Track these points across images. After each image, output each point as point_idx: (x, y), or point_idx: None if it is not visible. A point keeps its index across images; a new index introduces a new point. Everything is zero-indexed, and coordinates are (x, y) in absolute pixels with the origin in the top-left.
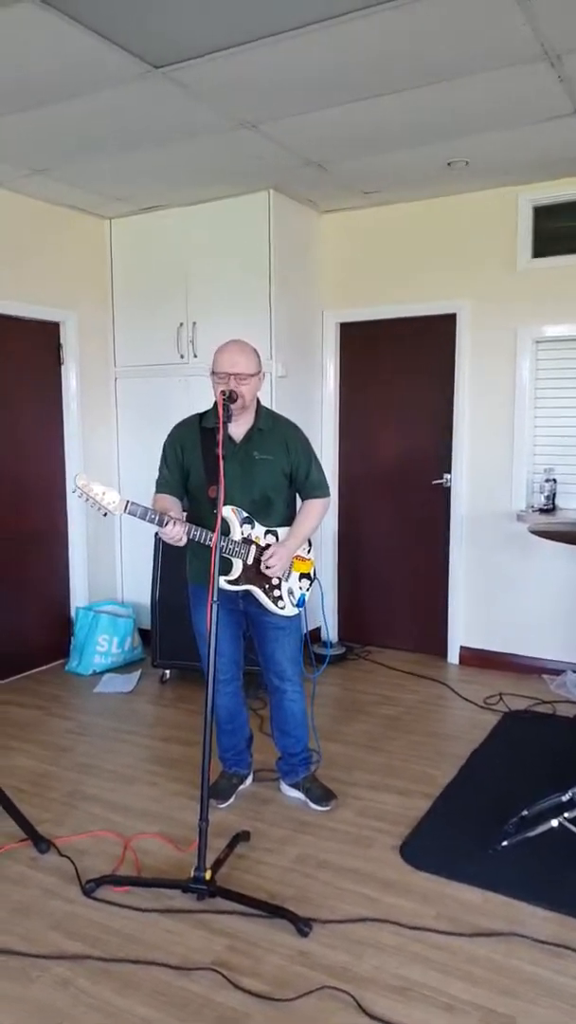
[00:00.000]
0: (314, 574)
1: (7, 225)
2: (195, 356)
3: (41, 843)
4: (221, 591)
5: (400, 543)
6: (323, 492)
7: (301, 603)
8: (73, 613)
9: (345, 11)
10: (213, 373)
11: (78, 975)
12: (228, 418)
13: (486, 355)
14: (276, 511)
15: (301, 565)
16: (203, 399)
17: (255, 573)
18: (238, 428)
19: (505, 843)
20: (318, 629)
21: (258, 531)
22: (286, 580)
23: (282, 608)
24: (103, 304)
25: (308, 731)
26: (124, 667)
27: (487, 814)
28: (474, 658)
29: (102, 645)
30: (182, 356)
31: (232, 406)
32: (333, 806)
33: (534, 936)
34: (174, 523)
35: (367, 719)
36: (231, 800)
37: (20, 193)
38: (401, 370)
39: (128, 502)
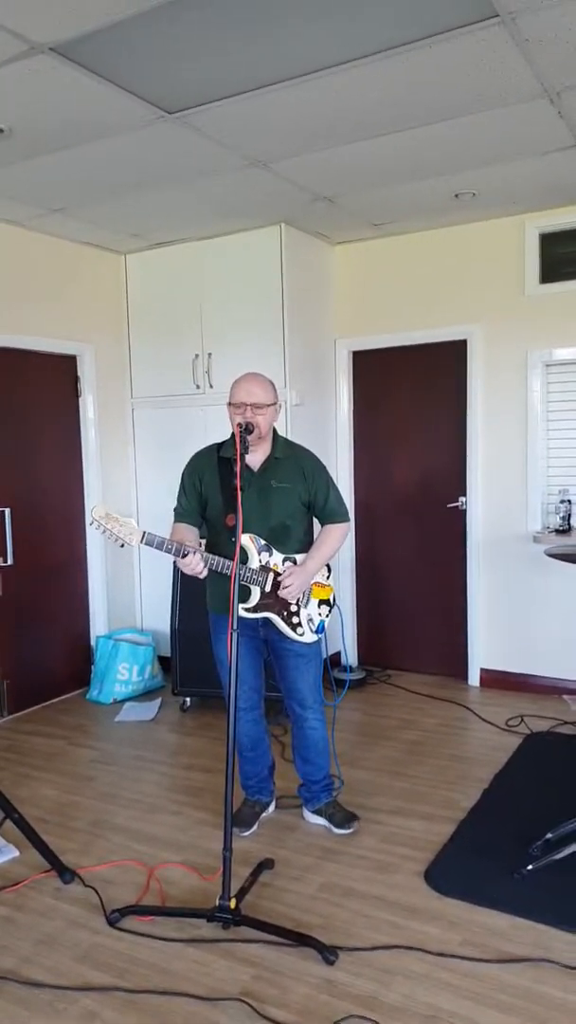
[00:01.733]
0: (333, 600)
1: (26, 262)
2: (211, 386)
3: (66, 873)
4: (240, 619)
5: (418, 567)
6: (342, 517)
7: (320, 629)
8: (93, 642)
9: (352, 58)
10: (230, 404)
11: (105, 1007)
12: (245, 449)
13: (497, 379)
14: (294, 538)
15: (320, 591)
16: (219, 428)
17: (274, 600)
18: (255, 457)
19: (530, 867)
20: (338, 654)
21: (276, 558)
22: (305, 607)
23: (301, 635)
24: (119, 337)
25: (330, 758)
26: (144, 695)
27: (512, 838)
28: (494, 680)
29: (122, 673)
30: (198, 386)
31: (249, 437)
32: (356, 828)
33: (563, 962)
34: (194, 553)
35: (389, 744)
36: (254, 828)
37: (38, 231)
38: (414, 396)
39: (145, 533)
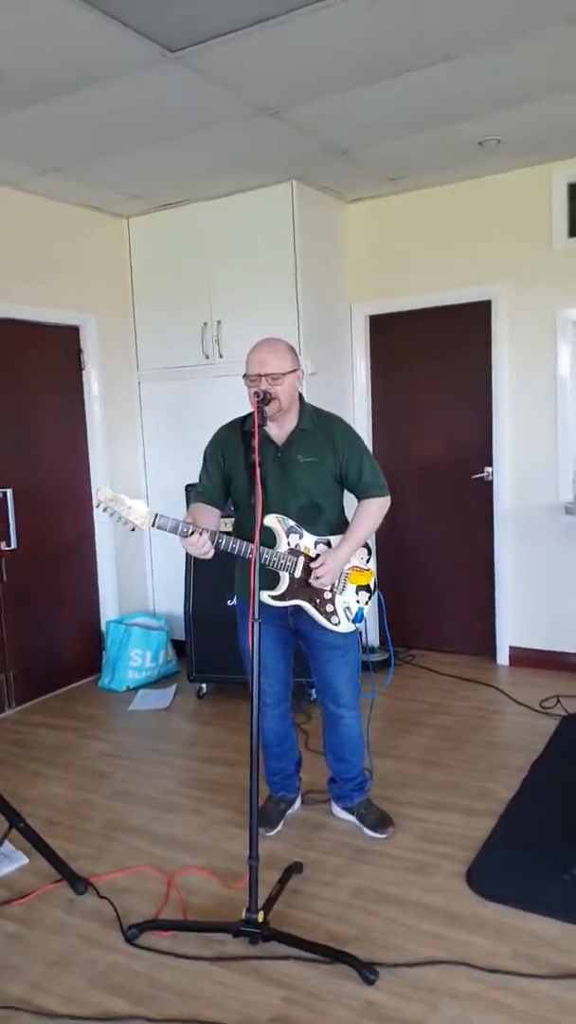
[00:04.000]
0: (375, 586)
1: (21, 228)
2: (220, 356)
3: (78, 883)
4: (268, 607)
5: (442, 541)
6: (380, 491)
7: (359, 618)
8: (103, 627)
9: None
10: (245, 376)
11: None
12: (263, 422)
13: (524, 341)
14: (326, 518)
15: (359, 576)
16: (231, 401)
17: (305, 587)
18: (280, 430)
19: None
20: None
21: (307, 541)
22: (340, 593)
23: (336, 624)
24: (123, 306)
25: (364, 755)
26: (158, 681)
27: (556, 832)
28: (524, 658)
29: (135, 660)
30: (207, 356)
31: (267, 408)
32: (391, 834)
33: None
34: (199, 533)
35: (418, 730)
36: (279, 827)
37: (33, 194)
38: (435, 362)
39: (156, 515)
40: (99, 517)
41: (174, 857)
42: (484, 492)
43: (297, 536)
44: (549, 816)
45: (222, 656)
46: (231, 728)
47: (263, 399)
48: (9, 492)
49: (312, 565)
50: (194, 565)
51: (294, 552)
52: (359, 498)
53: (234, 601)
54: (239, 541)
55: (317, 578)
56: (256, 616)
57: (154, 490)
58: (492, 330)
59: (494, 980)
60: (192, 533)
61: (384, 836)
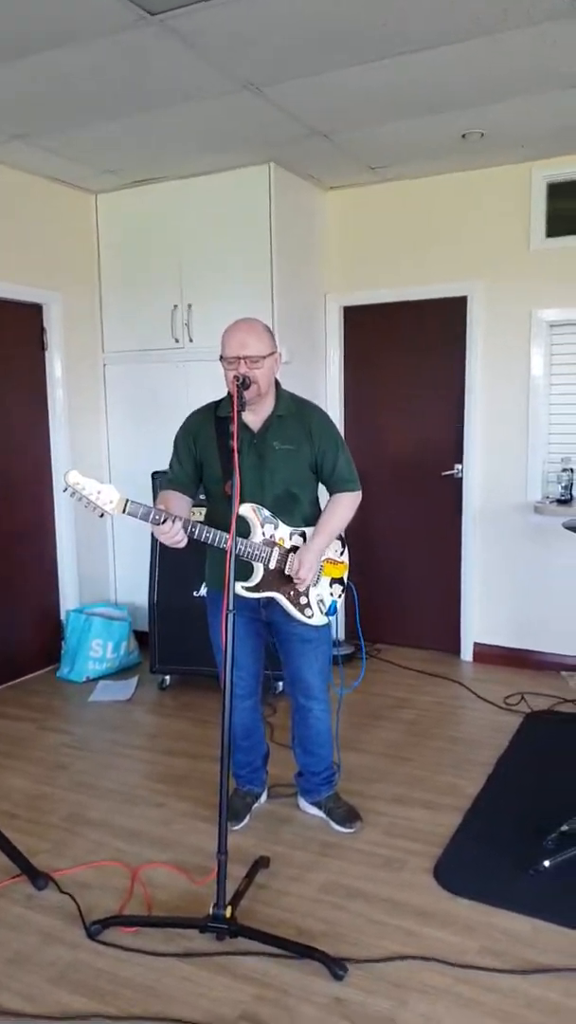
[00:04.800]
0: (347, 579)
1: None
2: (191, 340)
3: (39, 879)
4: (240, 598)
5: (410, 537)
6: (353, 485)
7: (332, 611)
8: (63, 616)
9: None
10: (222, 358)
11: None
12: (243, 407)
13: (498, 339)
14: (301, 508)
15: (332, 569)
16: (200, 386)
17: (279, 578)
18: (256, 416)
19: (547, 863)
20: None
21: (282, 532)
22: (315, 586)
23: (310, 617)
24: (90, 285)
25: (333, 749)
26: (120, 673)
27: (523, 829)
28: (489, 655)
29: (96, 650)
30: (176, 340)
31: (246, 393)
32: (358, 828)
33: None
34: (173, 520)
35: (384, 724)
36: (245, 821)
37: None
38: (409, 356)
39: (128, 501)
40: (60, 503)
41: (138, 851)
42: (454, 489)
43: (272, 526)
44: (515, 812)
45: (186, 648)
46: (194, 720)
47: (243, 383)
48: None
49: (290, 566)
50: (159, 554)
51: (268, 543)
52: (331, 491)
53: (202, 592)
54: (213, 530)
55: (298, 577)
56: (231, 607)
57: (118, 477)
58: (467, 327)
59: (463, 975)
60: (164, 521)
61: (351, 831)
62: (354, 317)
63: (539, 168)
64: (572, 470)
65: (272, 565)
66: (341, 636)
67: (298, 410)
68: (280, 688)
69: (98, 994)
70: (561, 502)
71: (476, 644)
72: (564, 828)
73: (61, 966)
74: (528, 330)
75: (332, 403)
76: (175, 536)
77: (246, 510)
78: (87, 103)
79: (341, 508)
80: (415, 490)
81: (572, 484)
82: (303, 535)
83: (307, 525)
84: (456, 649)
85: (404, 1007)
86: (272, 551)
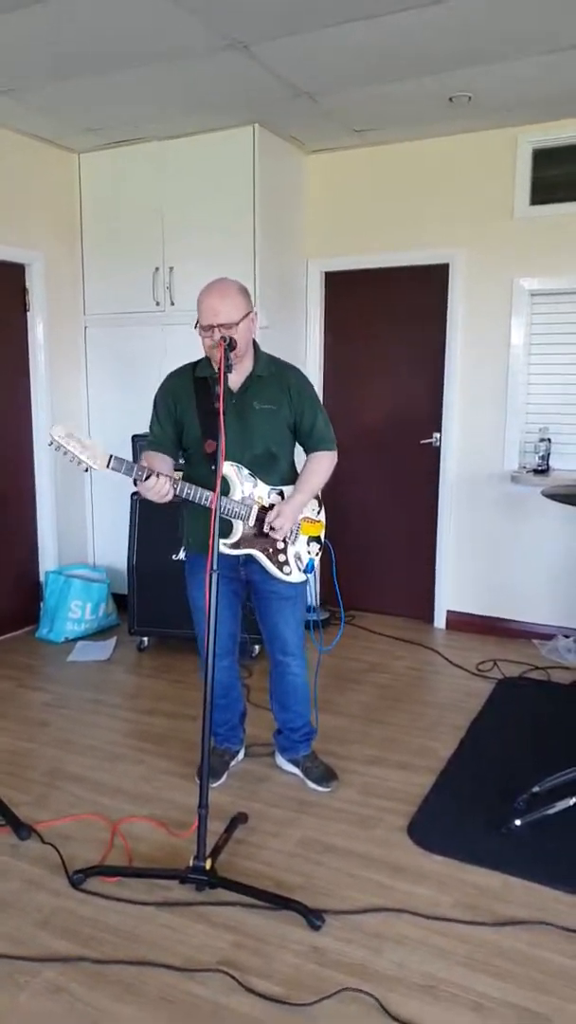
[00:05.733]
0: (323, 537)
1: None
2: (172, 303)
3: (21, 829)
4: (221, 558)
5: (386, 504)
6: (330, 445)
7: (310, 569)
8: (42, 577)
9: None
10: (198, 325)
11: (71, 979)
12: (229, 368)
13: (479, 308)
14: (279, 468)
15: (310, 527)
16: (180, 349)
17: (258, 536)
18: (235, 376)
19: (518, 822)
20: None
21: (261, 490)
22: (293, 543)
23: (288, 574)
24: (72, 246)
25: (310, 706)
26: (98, 634)
27: (495, 789)
28: (461, 623)
29: (75, 611)
30: (158, 303)
31: (231, 353)
32: (335, 787)
33: (562, 924)
34: (157, 476)
35: (359, 688)
36: (223, 779)
37: None
38: (390, 323)
39: (112, 457)
40: (40, 466)
41: (118, 806)
42: (431, 457)
43: (251, 485)
44: (487, 774)
45: (164, 610)
46: (172, 681)
47: (230, 344)
48: None
49: (268, 516)
50: (138, 518)
51: (248, 501)
52: (309, 450)
53: (180, 555)
54: (197, 488)
55: (273, 528)
56: (214, 567)
57: (98, 437)
58: (449, 295)
59: (436, 927)
60: (149, 477)
61: (328, 790)
62: (335, 283)
63: (525, 134)
64: (549, 440)
65: (251, 523)
66: (317, 602)
67: (277, 370)
68: (256, 652)
69: (82, 939)
70: (538, 472)
71: (449, 612)
72: (535, 789)
73: (46, 912)
74: (509, 299)
75: (312, 369)
76: (162, 489)
77: (227, 469)
78: (71, 57)
79: (320, 466)
80: (393, 458)
81: (549, 454)
82: (281, 494)
83: (284, 484)
84: (430, 617)
85: (379, 955)
86: (252, 509)
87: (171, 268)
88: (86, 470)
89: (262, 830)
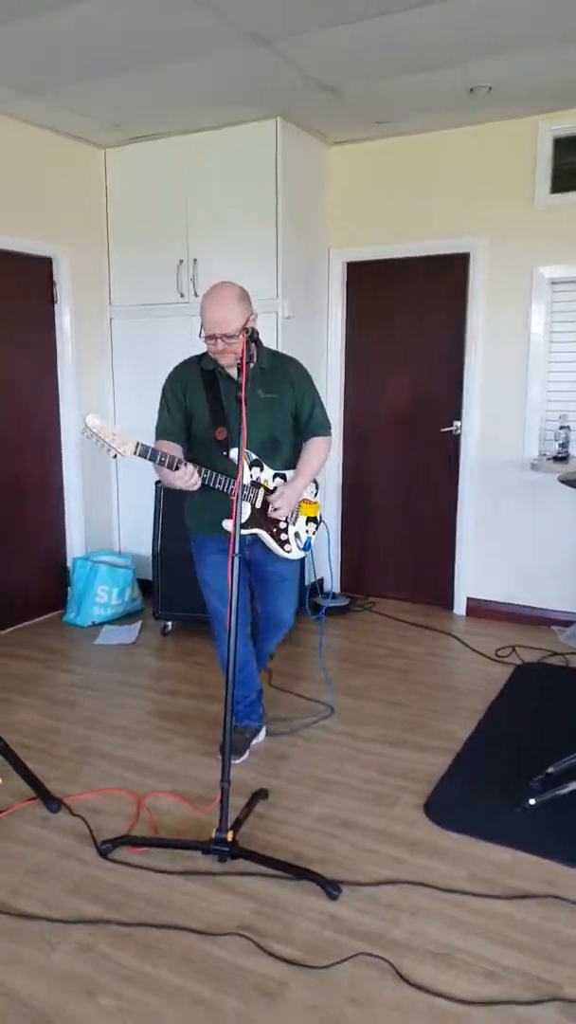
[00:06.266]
0: (320, 517)
1: None
2: (196, 295)
3: (52, 802)
4: (224, 541)
5: (406, 492)
6: (326, 431)
7: (308, 547)
8: (70, 563)
9: None
10: (202, 329)
11: (100, 940)
12: (251, 359)
13: (500, 297)
14: (282, 453)
15: (308, 508)
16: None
17: (263, 517)
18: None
19: (533, 801)
20: (321, 580)
21: (267, 474)
22: (293, 523)
23: (289, 552)
24: (98, 239)
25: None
26: (124, 618)
27: (510, 770)
28: (481, 609)
29: (101, 596)
30: (182, 295)
31: (229, 354)
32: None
33: (572, 898)
34: (185, 465)
35: (378, 672)
36: (245, 756)
37: (11, 117)
38: (411, 312)
39: (139, 444)
40: (68, 455)
41: (143, 781)
42: (452, 445)
43: (258, 469)
44: (503, 755)
45: (187, 595)
46: (195, 664)
47: (252, 335)
48: None
49: (271, 497)
50: (162, 506)
51: (255, 484)
52: (307, 436)
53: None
54: (213, 473)
55: (276, 508)
56: (236, 551)
57: (123, 425)
58: (469, 284)
59: (451, 899)
60: (179, 466)
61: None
62: (357, 272)
63: (546, 122)
64: (569, 427)
65: (258, 504)
66: (337, 588)
67: (278, 363)
68: None
69: (110, 904)
70: (558, 459)
71: (469, 599)
72: (550, 770)
73: (76, 879)
74: (530, 287)
75: (333, 357)
76: (191, 479)
77: (236, 454)
78: (98, 57)
79: (318, 451)
80: (414, 446)
81: (569, 441)
82: (283, 477)
83: (286, 469)
84: (449, 603)
85: (395, 925)
86: (259, 491)
87: (195, 260)
88: (114, 457)
89: (282, 806)
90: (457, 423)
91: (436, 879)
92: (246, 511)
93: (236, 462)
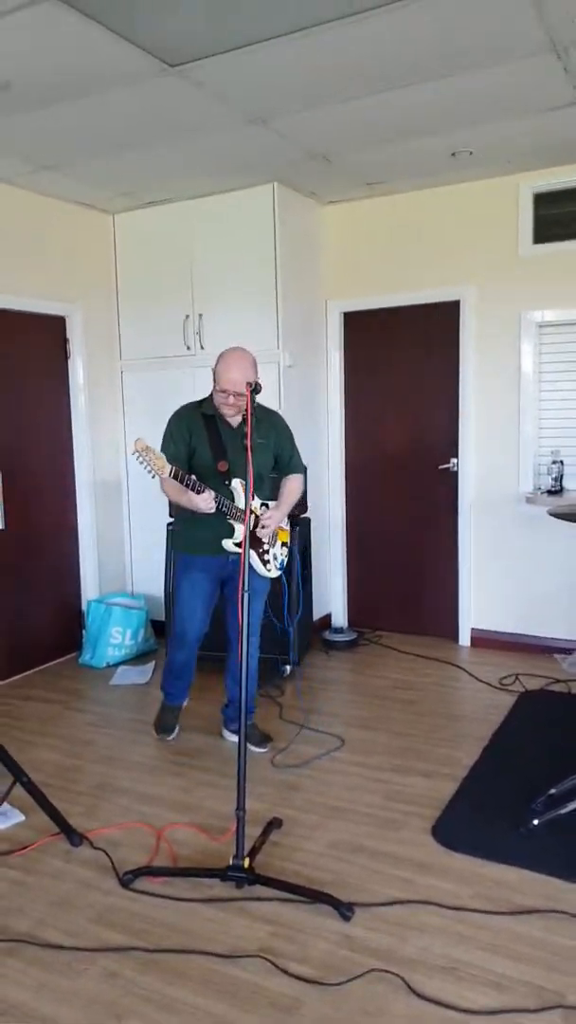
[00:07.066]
0: (290, 542)
1: (13, 221)
2: (202, 348)
3: (74, 836)
4: (211, 560)
5: (408, 528)
6: (301, 470)
7: (283, 567)
8: (84, 606)
9: (355, 11)
10: (215, 383)
11: (124, 967)
12: (256, 410)
13: (490, 340)
14: (265, 487)
15: (282, 535)
16: (210, 390)
17: (253, 538)
18: (236, 418)
19: (536, 822)
20: (328, 615)
21: (256, 503)
22: (272, 546)
23: (270, 571)
24: (108, 297)
25: (256, 683)
26: (137, 658)
27: (515, 794)
28: (485, 640)
29: (115, 637)
30: (188, 348)
31: (235, 406)
32: (269, 748)
33: (574, 912)
34: (208, 490)
35: (385, 703)
36: (176, 732)
37: (26, 189)
38: (406, 358)
39: (174, 468)
40: (82, 501)
41: (161, 814)
42: (450, 482)
43: (252, 499)
44: (508, 780)
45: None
46: (208, 701)
47: (255, 388)
48: None
49: (262, 519)
50: (172, 548)
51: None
52: (286, 473)
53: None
54: (228, 503)
55: (264, 526)
56: (246, 587)
57: (135, 475)
58: (460, 329)
59: (457, 916)
60: (203, 490)
61: (264, 750)
62: (353, 322)
63: (525, 180)
64: (562, 462)
65: (250, 527)
66: (344, 623)
67: (265, 415)
68: (288, 671)
69: (133, 932)
70: (552, 492)
71: (473, 629)
72: (552, 791)
73: (99, 908)
74: (518, 331)
75: (334, 402)
76: (210, 503)
77: (237, 484)
78: (111, 139)
79: (296, 485)
80: (413, 484)
81: (562, 475)
82: (267, 505)
83: (268, 500)
84: (454, 635)
85: (404, 942)
86: (252, 517)
87: (200, 315)
88: (153, 476)
89: (295, 833)
90: (454, 460)
91: (443, 898)
92: (239, 532)
93: (235, 490)
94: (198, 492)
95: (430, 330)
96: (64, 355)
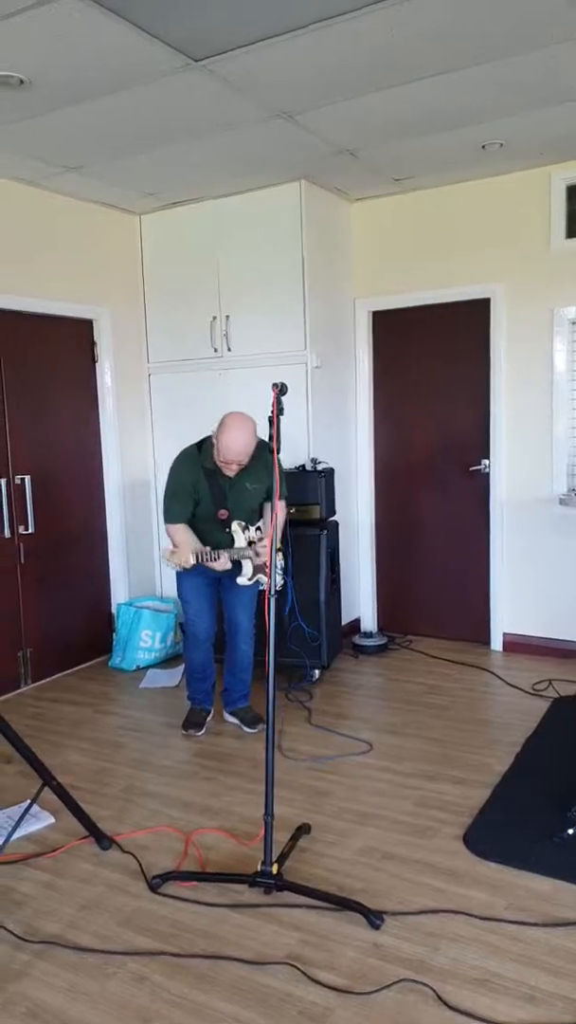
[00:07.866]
0: (280, 546)
1: (40, 224)
2: (229, 350)
3: (103, 840)
4: (207, 568)
5: (439, 531)
6: (284, 497)
7: (287, 572)
8: (114, 609)
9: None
10: (219, 453)
11: (153, 971)
12: (278, 434)
13: (521, 338)
14: (257, 515)
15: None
16: (238, 392)
17: (259, 565)
18: (232, 469)
19: (571, 831)
20: (358, 619)
21: (251, 532)
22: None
23: (276, 583)
24: (135, 300)
25: (251, 672)
26: (166, 662)
27: (548, 802)
28: (518, 645)
29: (145, 641)
30: (215, 350)
31: (235, 463)
32: (260, 728)
33: None
34: (220, 555)
35: (416, 709)
36: (204, 731)
37: (54, 191)
38: (435, 357)
39: (195, 553)
40: (111, 504)
41: (191, 819)
42: (481, 484)
43: (248, 531)
44: (540, 787)
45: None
46: None
47: (282, 390)
48: (28, 479)
49: (259, 546)
50: None
51: (250, 543)
52: (269, 500)
53: (248, 580)
54: (238, 550)
55: (258, 554)
56: (272, 640)
57: (162, 478)
58: (491, 327)
59: (490, 927)
60: (219, 557)
61: (255, 731)
62: (382, 321)
63: (558, 171)
64: None
65: (256, 560)
66: (374, 628)
67: (259, 451)
68: (316, 676)
69: (161, 936)
70: None
71: (506, 634)
72: None
73: (128, 912)
74: (550, 328)
75: (362, 403)
76: (226, 564)
77: (235, 526)
78: (136, 138)
79: (281, 509)
80: (443, 486)
81: None
82: (259, 529)
83: (256, 523)
84: (486, 639)
85: (436, 952)
86: (253, 548)
87: (227, 316)
88: (183, 570)
89: (324, 840)
90: (485, 461)
91: (475, 907)
92: (247, 568)
93: (234, 532)
94: (215, 560)
95: (460, 328)
96: (92, 359)
